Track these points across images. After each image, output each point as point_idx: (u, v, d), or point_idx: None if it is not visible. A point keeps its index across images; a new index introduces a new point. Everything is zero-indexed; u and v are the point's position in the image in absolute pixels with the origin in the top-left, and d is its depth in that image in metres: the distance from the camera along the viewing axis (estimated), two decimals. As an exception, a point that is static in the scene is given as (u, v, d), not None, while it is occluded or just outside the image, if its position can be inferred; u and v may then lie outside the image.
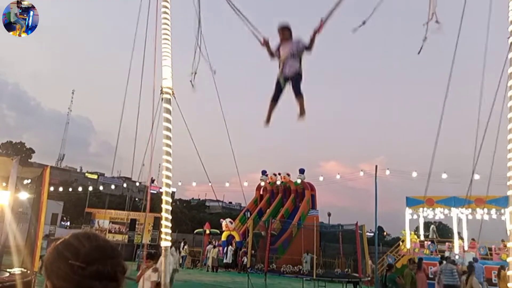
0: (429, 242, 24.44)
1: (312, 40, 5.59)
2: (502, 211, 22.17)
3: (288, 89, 5.83)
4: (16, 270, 8.59)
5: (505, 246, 17.95)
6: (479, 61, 5.06)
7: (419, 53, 4.94)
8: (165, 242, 5.39)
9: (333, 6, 5.27)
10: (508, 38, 3.66)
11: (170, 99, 5.25)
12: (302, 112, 5.67)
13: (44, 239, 15.80)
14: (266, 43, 5.83)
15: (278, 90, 5.85)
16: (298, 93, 5.72)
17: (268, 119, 5.92)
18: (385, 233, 62.27)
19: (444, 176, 23.80)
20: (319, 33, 5.45)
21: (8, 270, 8.71)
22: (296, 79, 5.73)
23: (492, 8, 4.78)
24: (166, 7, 5.26)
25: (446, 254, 21.12)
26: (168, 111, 5.31)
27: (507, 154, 3.96)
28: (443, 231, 34.09)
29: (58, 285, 1.24)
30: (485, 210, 22.22)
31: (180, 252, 27.93)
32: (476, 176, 7.22)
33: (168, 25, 5.21)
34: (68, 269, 1.22)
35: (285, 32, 5.80)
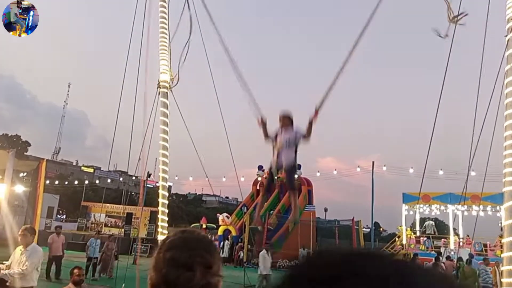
0: (425, 238, 24.57)
1: (309, 129, 5.41)
2: (498, 207, 22.29)
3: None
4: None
5: (501, 242, 18.03)
6: (477, 58, 5.06)
7: (445, 37, 5.01)
8: (162, 236, 5.39)
9: (325, 94, 5.22)
10: (506, 36, 3.66)
11: (167, 93, 5.21)
12: (294, 213, 5.88)
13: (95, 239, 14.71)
14: (263, 124, 5.64)
15: (270, 180, 5.87)
16: (291, 187, 5.82)
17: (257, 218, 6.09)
18: (381, 229, 62.34)
19: (441, 172, 23.88)
20: (315, 121, 5.28)
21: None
22: (290, 171, 5.64)
23: (492, 5, 4.77)
24: (164, 0, 5.21)
25: (442, 250, 21.25)
26: (165, 105, 5.26)
27: (503, 152, 3.97)
28: (439, 227, 34.21)
29: (153, 276, 1.27)
30: (481, 207, 22.31)
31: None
32: (472, 173, 7.26)
33: (165, 18, 5.15)
34: (156, 258, 1.29)
35: (285, 120, 5.65)
